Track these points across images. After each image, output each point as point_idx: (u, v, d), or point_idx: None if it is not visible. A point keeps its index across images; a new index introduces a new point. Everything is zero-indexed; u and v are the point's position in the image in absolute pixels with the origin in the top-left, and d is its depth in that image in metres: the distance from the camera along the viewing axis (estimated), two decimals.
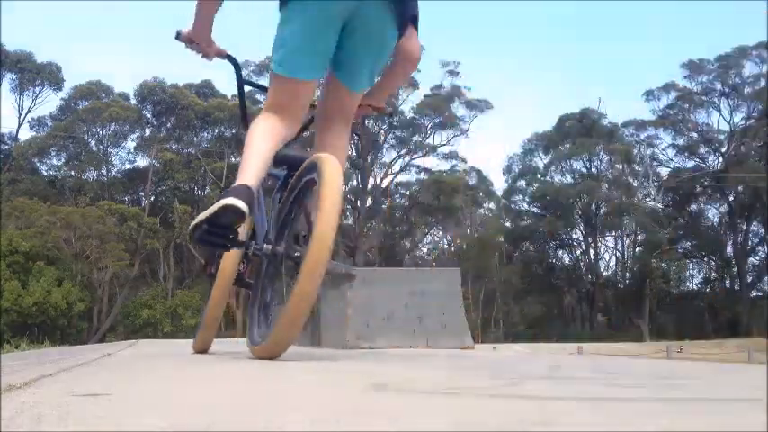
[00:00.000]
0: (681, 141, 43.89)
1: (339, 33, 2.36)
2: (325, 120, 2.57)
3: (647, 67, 72.38)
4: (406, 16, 2.43)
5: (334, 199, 2.05)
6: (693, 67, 42.27)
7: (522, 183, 44.76)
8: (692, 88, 42.63)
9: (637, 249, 42.23)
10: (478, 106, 40.83)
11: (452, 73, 41.11)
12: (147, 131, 39.78)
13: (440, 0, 63.25)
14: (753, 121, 41.14)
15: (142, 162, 40.34)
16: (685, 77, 42.65)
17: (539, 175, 44.43)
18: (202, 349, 3.14)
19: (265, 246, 2.43)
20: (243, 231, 2.52)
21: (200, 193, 40.44)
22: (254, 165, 2.25)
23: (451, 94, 40.87)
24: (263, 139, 2.32)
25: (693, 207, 44.40)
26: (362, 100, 2.66)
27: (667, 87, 43.04)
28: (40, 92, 39.18)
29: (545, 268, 43.33)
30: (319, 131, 2.60)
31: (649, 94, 43.40)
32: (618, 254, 43.50)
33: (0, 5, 36.38)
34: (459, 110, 40.91)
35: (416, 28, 2.53)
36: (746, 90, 41.37)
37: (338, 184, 2.10)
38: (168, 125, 39.77)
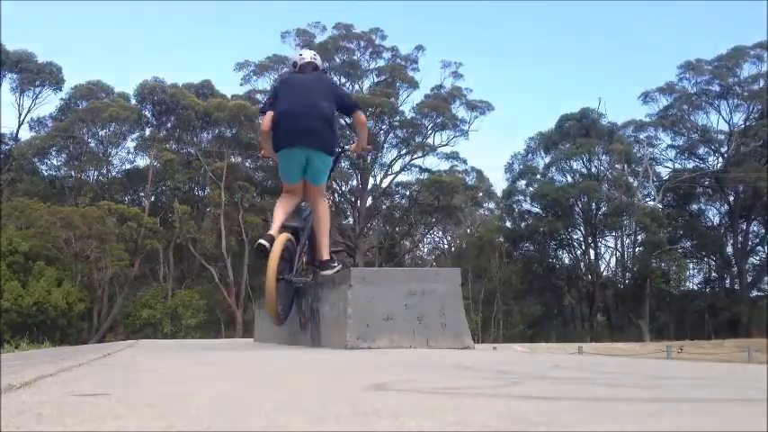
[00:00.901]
0: (680, 142, 43.85)
1: (305, 164, 4.86)
2: (308, 198, 5.08)
3: (646, 67, 72.31)
4: (350, 112, 5.16)
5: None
6: (691, 68, 42.19)
7: (522, 183, 44.68)
8: (690, 89, 42.56)
9: (637, 249, 42.14)
10: (479, 107, 40.79)
11: (456, 75, 41.10)
12: (147, 131, 39.67)
13: (441, 0, 63.44)
14: (752, 121, 41.10)
15: (142, 162, 40.26)
16: (684, 78, 42.59)
17: (539, 176, 44.34)
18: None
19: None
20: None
21: (200, 193, 40.35)
22: (276, 223, 4.72)
23: (452, 94, 40.82)
24: (282, 208, 4.87)
25: (693, 207, 44.35)
26: (353, 149, 5.56)
27: (665, 89, 42.95)
28: (40, 92, 39.08)
29: (545, 268, 43.24)
30: (307, 200, 5.14)
31: (646, 96, 43.37)
32: (618, 254, 43.47)
33: (0, 5, 36.34)
34: (459, 111, 40.90)
35: (360, 109, 5.24)
36: (745, 90, 41.28)
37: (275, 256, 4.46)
38: (168, 125, 39.68)
